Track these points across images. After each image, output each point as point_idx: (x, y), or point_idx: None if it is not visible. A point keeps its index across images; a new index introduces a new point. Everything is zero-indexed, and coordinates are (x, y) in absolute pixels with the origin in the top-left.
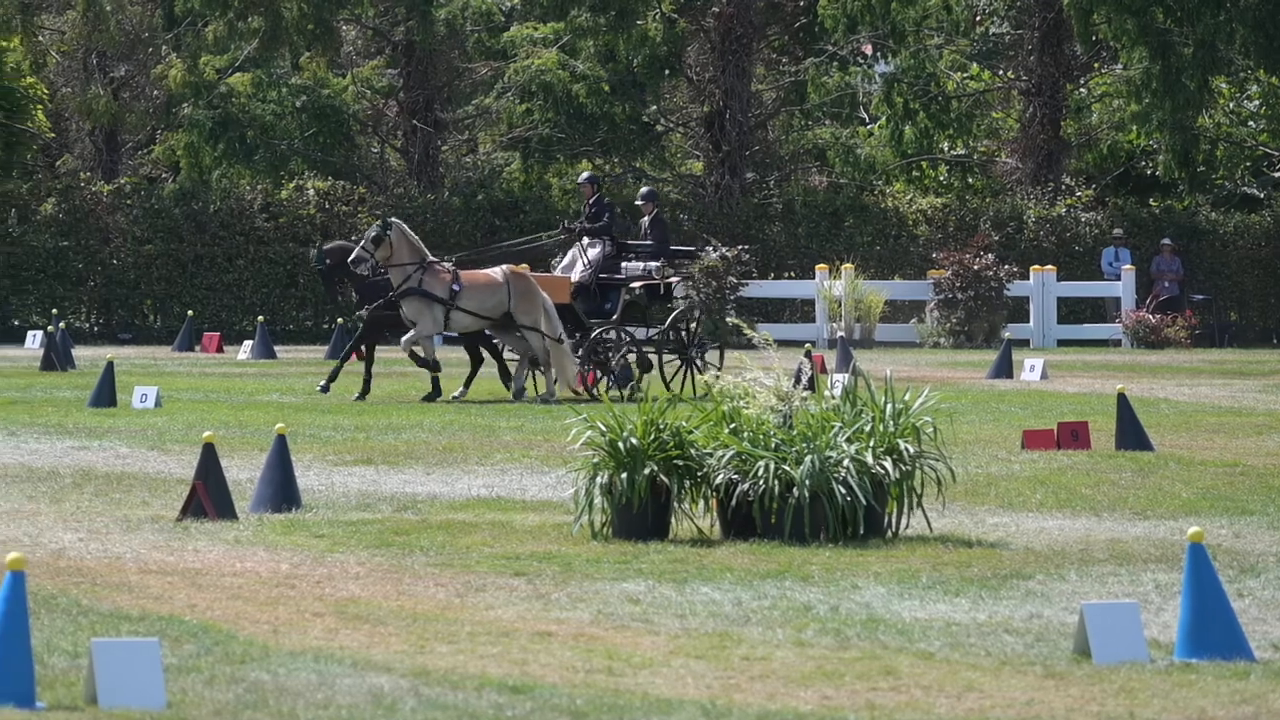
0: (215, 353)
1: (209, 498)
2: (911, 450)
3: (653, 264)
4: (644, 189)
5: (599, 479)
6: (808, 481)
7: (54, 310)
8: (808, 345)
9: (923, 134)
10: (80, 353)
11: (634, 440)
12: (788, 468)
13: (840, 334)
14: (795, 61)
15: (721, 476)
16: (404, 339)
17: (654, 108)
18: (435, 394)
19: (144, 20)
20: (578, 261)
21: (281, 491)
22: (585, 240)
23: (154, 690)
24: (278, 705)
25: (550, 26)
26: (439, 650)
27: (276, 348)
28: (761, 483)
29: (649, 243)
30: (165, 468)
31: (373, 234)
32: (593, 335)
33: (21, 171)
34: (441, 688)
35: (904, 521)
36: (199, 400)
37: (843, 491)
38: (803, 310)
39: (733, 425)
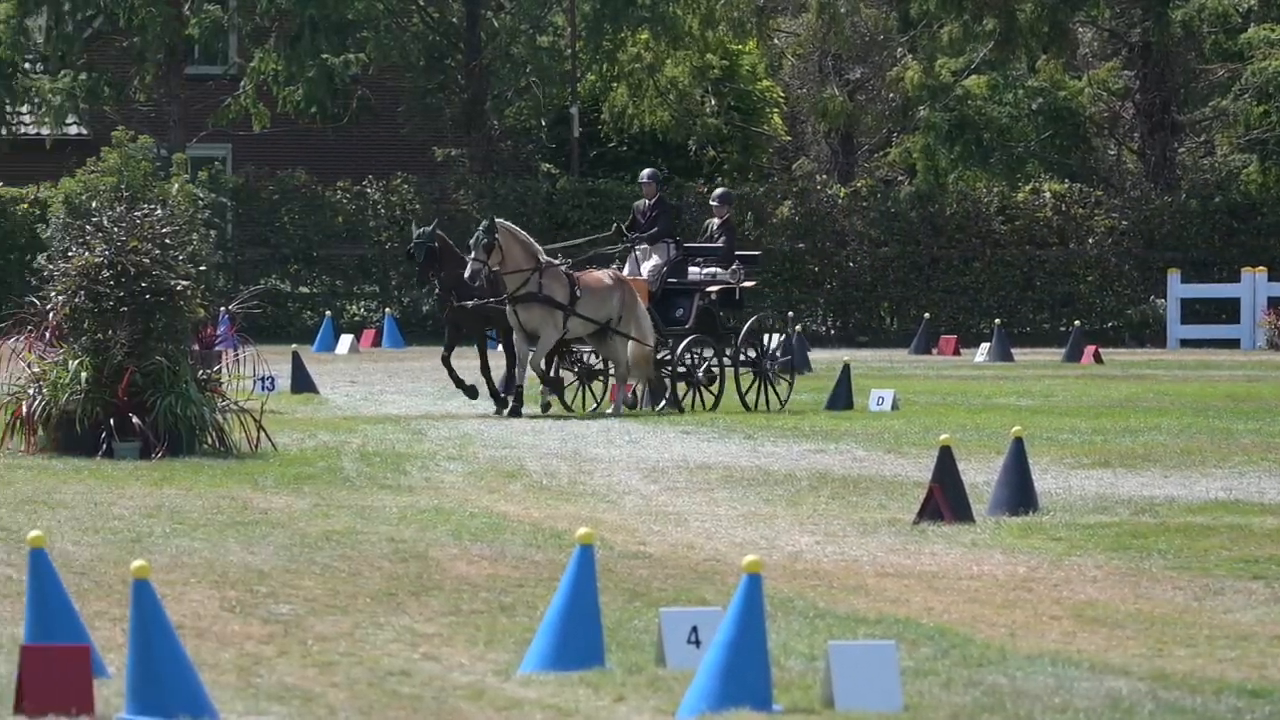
0: (952, 355)
1: (946, 500)
2: None
3: (720, 269)
4: (719, 191)
5: None
6: None
7: (790, 313)
8: None
9: None
10: (817, 355)
11: None
12: None
13: None
14: None
15: None
16: (532, 356)
17: None
18: (474, 394)
19: (879, 22)
20: (640, 267)
21: (1019, 494)
22: (639, 248)
23: (891, 693)
24: (1014, 709)
25: None
26: (1177, 654)
27: (1014, 350)
28: None
29: (718, 245)
30: (902, 470)
31: (483, 240)
32: (684, 344)
33: (758, 174)
34: (1179, 691)
35: None
36: (935, 403)
37: None
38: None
39: None
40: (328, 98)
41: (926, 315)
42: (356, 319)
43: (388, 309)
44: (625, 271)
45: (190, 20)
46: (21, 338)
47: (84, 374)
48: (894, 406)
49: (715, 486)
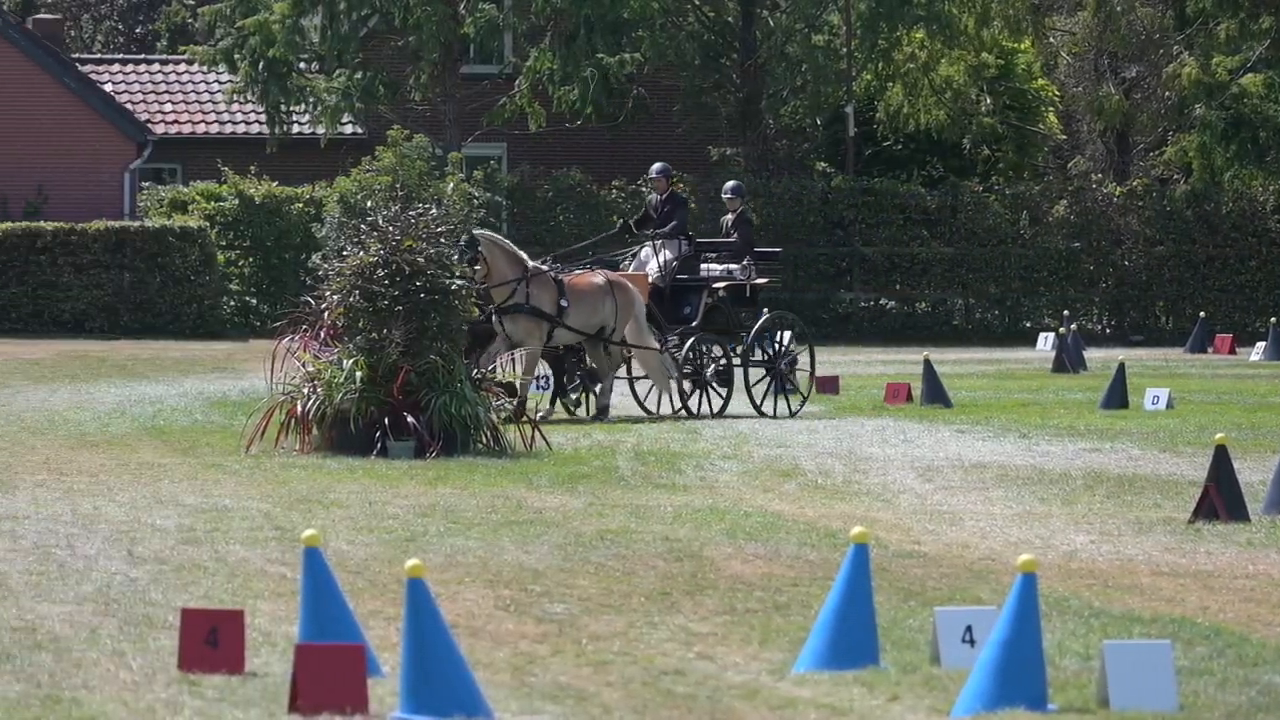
0: (1227, 354)
1: (1221, 499)
2: None
3: (734, 265)
4: (731, 184)
5: None
6: None
7: (1065, 312)
8: None
9: None
10: (1092, 354)
11: None
12: None
13: None
14: None
15: None
16: (497, 354)
17: None
18: None
19: (1155, 20)
20: (650, 261)
21: None
22: (654, 243)
23: (1166, 692)
24: None
25: None
26: None
27: None
28: None
29: (732, 240)
30: (1176, 469)
31: (467, 255)
32: (688, 342)
33: (1033, 173)
34: None
35: None
36: (1210, 402)
37: None
38: None
39: None
40: (603, 97)
41: (1203, 314)
42: None
43: None
44: (631, 268)
45: (466, 19)
46: (297, 337)
47: (359, 373)
48: (1169, 405)
49: (990, 485)
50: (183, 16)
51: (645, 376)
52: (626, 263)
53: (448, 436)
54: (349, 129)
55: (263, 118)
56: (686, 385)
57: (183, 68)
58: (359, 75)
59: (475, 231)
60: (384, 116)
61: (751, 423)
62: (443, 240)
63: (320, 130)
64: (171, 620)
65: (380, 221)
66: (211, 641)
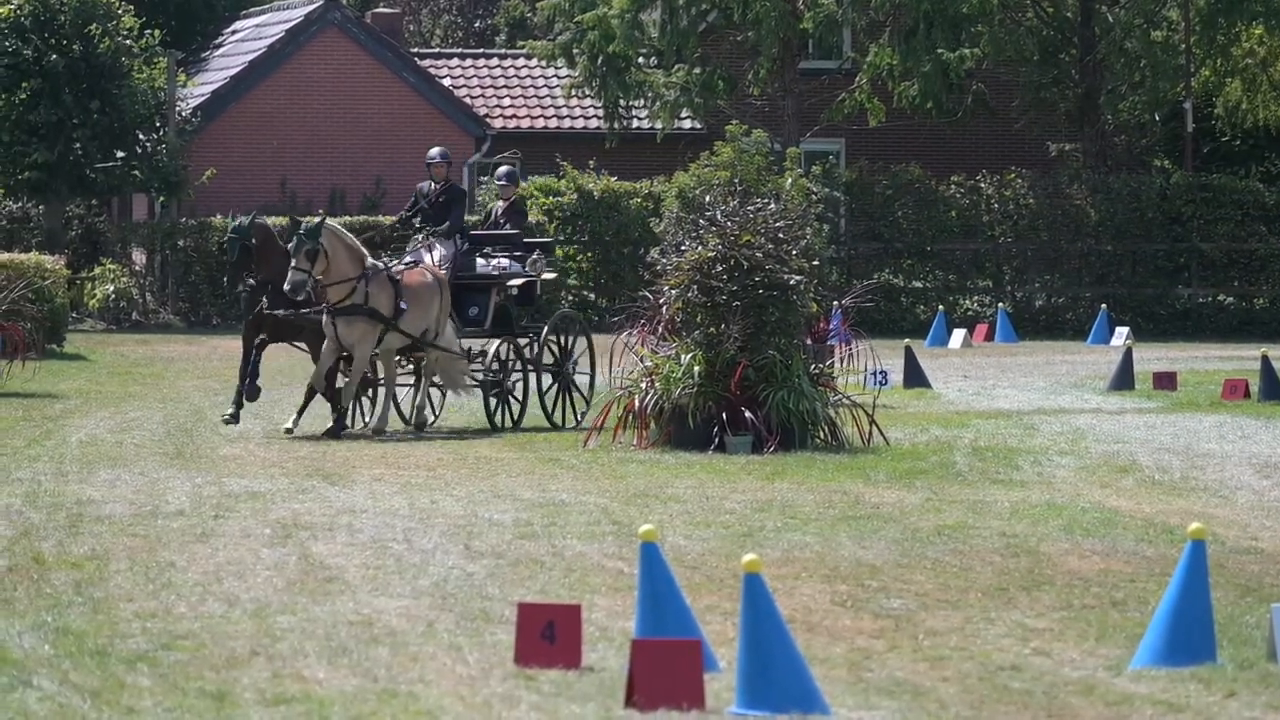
0: None
1: None
2: None
3: (505, 260)
4: (504, 169)
5: None
6: None
7: None
8: None
9: None
10: None
11: None
12: None
13: None
14: None
15: None
16: (324, 371)
17: None
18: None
19: None
20: (424, 259)
21: None
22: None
23: None
24: None
25: None
26: None
27: None
28: None
29: (509, 231)
30: None
31: (306, 246)
32: (496, 347)
33: None
34: None
35: None
36: None
37: None
38: None
39: None
40: (943, 92)
41: None
42: (969, 313)
43: (1000, 303)
44: (409, 260)
45: (805, 15)
46: (635, 331)
47: (696, 368)
48: None
49: None
50: (521, 11)
51: (439, 384)
52: (398, 260)
53: (785, 431)
54: (687, 124)
55: (601, 113)
56: (487, 394)
57: (521, 62)
58: (697, 70)
59: (323, 222)
60: (722, 111)
61: (1088, 418)
62: (781, 235)
63: (658, 125)
64: (508, 615)
65: (718, 216)
66: (548, 636)
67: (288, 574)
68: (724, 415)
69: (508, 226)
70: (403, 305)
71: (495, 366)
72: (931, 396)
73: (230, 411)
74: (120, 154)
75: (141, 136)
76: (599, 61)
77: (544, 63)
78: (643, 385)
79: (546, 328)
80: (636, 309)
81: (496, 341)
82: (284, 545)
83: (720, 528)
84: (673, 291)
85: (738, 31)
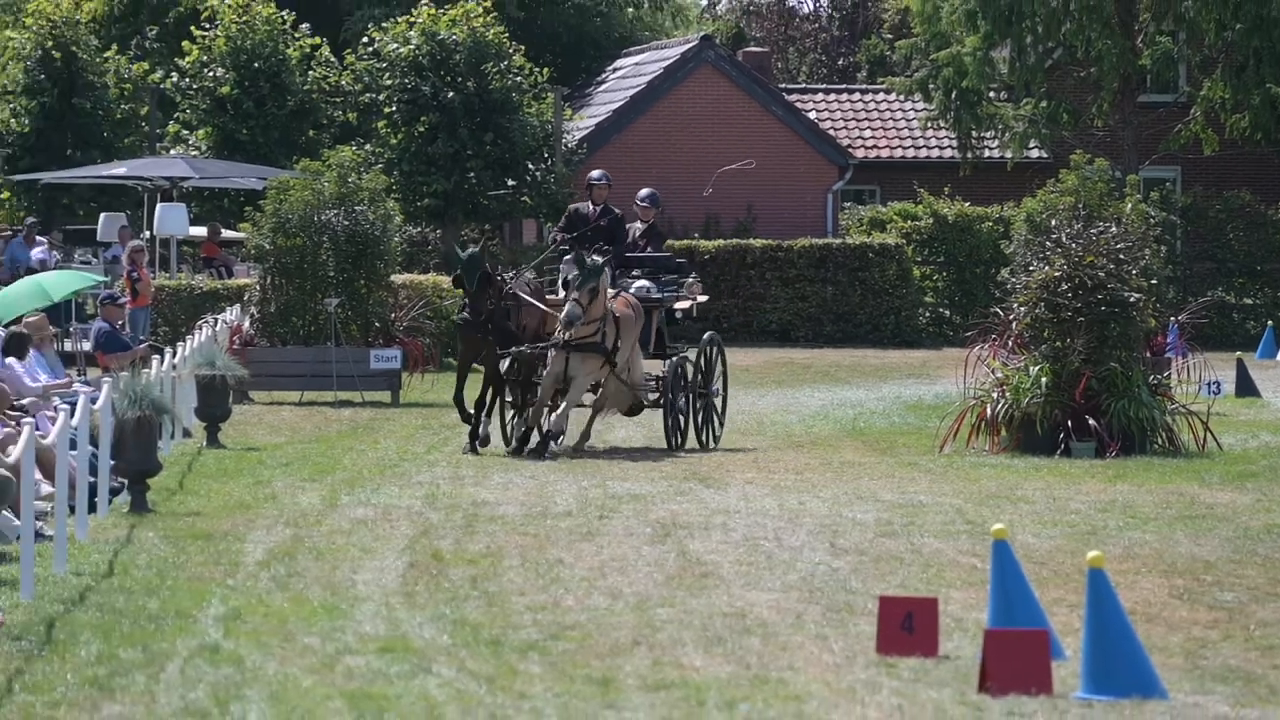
0: None
1: None
2: None
3: (648, 283)
4: (646, 191)
5: None
6: None
7: None
8: None
9: None
10: None
11: None
12: None
13: None
14: None
15: None
16: (564, 408)
17: None
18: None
19: None
20: (629, 288)
21: None
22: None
23: None
24: None
25: None
26: None
27: None
28: None
29: (662, 254)
30: None
31: (591, 284)
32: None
33: None
34: None
35: None
36: None
37: None
38: None
39: None
40: (1272, 123)
41: None
42: None
43: None
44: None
45: (1144, 52)
46: (986, 345)
47: (1044, 379)
48: None
49: None
50: (881, 49)
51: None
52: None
53: (1126, 437)
54: (1035, 153)
55: (955, 143)
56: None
57: (881, 97)
58: (1044, 103)
59: (601, 260)
60: (1067, 141)
61: None
62: (1122, 256)
63: (1008, 154)
64: (870, 607)
65: (1064, 239)
66: (907, 627)
67: (667, 569)
68: (1069, 422)
69: (648, 248)
70: (618, 341)
71: (674, 385)
72: (1261, 405)
73: (467, 445)
74: (511, 182)
75: (530, 166)
76: (953, 95)
77: (902, 97)
78: (994, 395)
79: (697, 349)
80: (988, 324)
81: (666, 362)
82: (663, 543)
83: (1066, 526)
84: (1021, 308)
85: (1081, 67)
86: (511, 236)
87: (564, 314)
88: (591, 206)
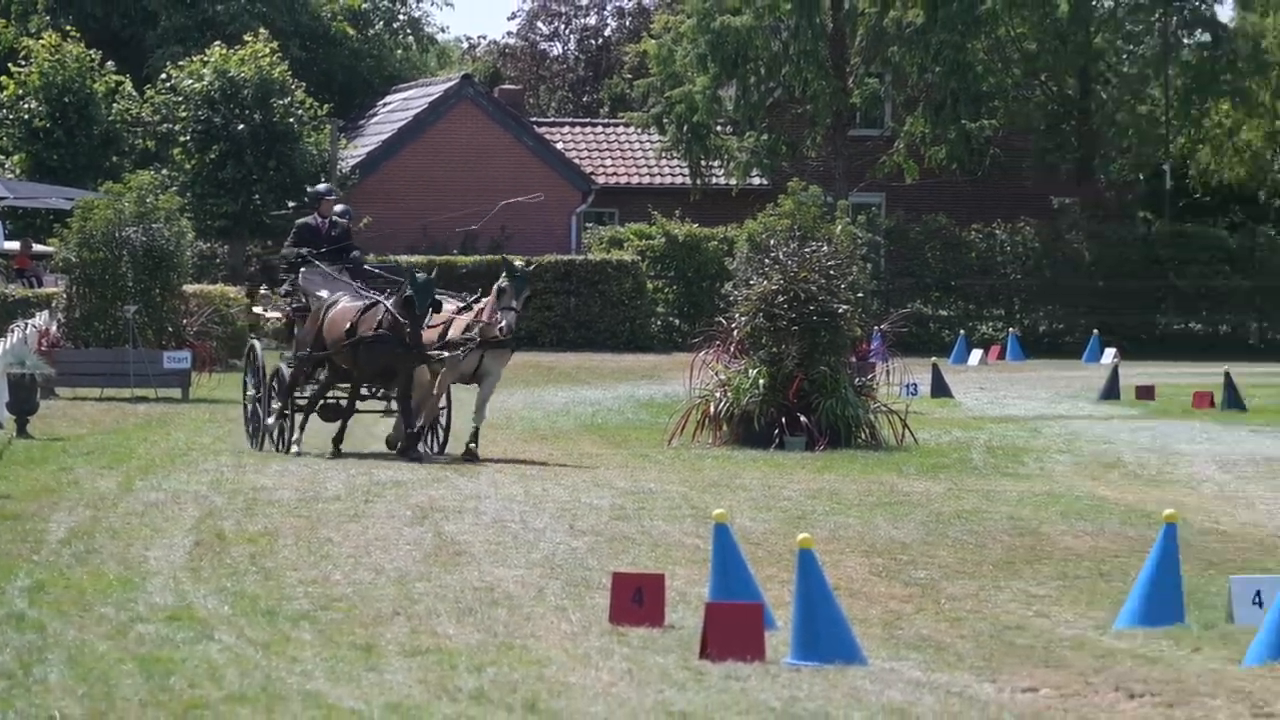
0: None
1: None
2: None
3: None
4: (342, 207)
5: None
6: None
7: None
8: None
9: None
10: None
11: None
12: None
13: None
14: None
15: None
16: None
17: None
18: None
19: None
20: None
21: None
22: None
23: None
24: None
25: None
26: None
27: None
28: None
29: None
30: None
31: (525, 292)
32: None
33: None
34: None
35: None
36: None
37: None
38: None
39: None
40: (966, 155)
41: None
42: (985, 336)
43: (1011, 328)
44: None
45: (853, 91)
46: (711, 351)
47: (761, 381)
48: None
49: (1279, 475)
50: (622, 88)
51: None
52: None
53: (833, 433)
54: (756, 180)
55: (686, 171)
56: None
57: (621, 129)
58: (765, 136)
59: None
60: (785, 170)
61: (1082, 423)
62: (832, 272)
63: (733, 181)
64: (604, 582)
65: (781, 256)
66: (637, 600)
67: (424, 548)
68: (783, 419)
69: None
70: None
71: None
72: (953, 405)
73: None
74: (291, 204)
75: (309, 190)
76: (685, 129)
77: (640, 130)
78: (717, 395)
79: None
80: (713, 332)
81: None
82: (421, 525)
83: (779, 511)
84: (743, 318)
85: (798, 105)
86: None
87: (507, 323)
88: (319, 219)
